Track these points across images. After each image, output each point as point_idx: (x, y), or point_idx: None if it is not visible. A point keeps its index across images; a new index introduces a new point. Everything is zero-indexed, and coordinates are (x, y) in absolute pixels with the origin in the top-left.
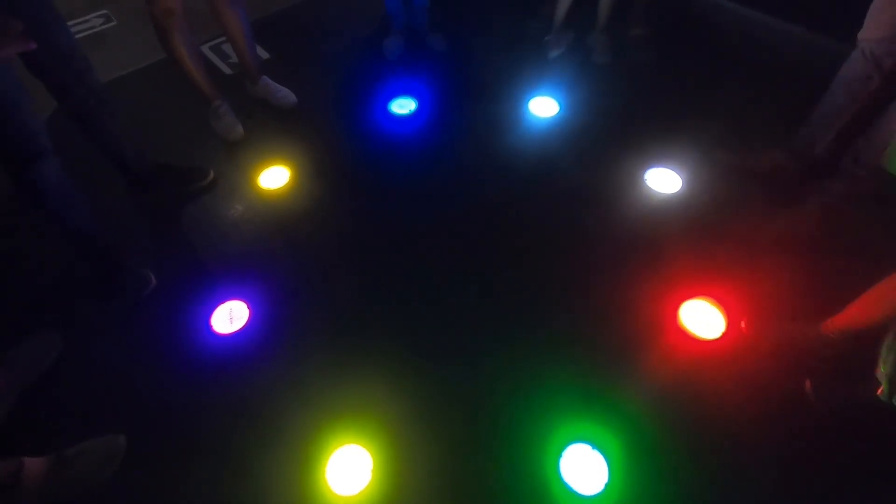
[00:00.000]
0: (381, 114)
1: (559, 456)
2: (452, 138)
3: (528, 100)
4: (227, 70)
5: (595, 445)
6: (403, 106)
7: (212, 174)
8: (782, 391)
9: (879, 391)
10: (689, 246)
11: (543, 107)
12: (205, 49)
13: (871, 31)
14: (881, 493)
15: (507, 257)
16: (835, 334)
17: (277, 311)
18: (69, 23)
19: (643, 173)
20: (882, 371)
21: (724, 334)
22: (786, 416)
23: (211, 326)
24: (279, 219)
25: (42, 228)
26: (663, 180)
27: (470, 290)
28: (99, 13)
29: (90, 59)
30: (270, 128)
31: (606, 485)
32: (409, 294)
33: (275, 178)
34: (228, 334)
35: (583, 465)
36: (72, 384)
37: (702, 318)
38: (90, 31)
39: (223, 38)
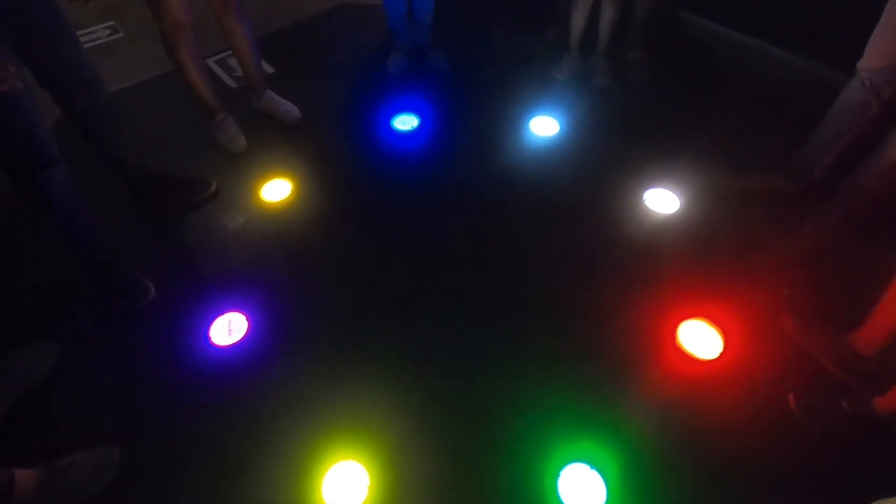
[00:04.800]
0: (384, 130)
1: (557, 475)
2: (454, 155)
3: (530, 119)
4: (232, 84)
5: (593, 465)
6: (406, 122)
7: (214, 186)
8: (779, 411)
9: None
10: (688, 266)
11: (544, 126)
12: (210, 62)
13: (871, 60)
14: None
15: (506, 274)
16: (864, 345)
17: (276, 323)
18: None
19: (642, 194)
20: None
21: (722, 354)
22: (784, 435)
23: (209, 338)
24: (280, 231)
25: (40, 236)
26: (662, 201)
27: (470, 306)
28: (106, 24)
29: (98, 70)
30: (274, 141)
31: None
32: (408, 309)
33: (277, 190)
34: (227, 346)
35: (581, 485)
36: (67, 394)
37: (700, 339)
38: (97, 42)
39: (229, 52)
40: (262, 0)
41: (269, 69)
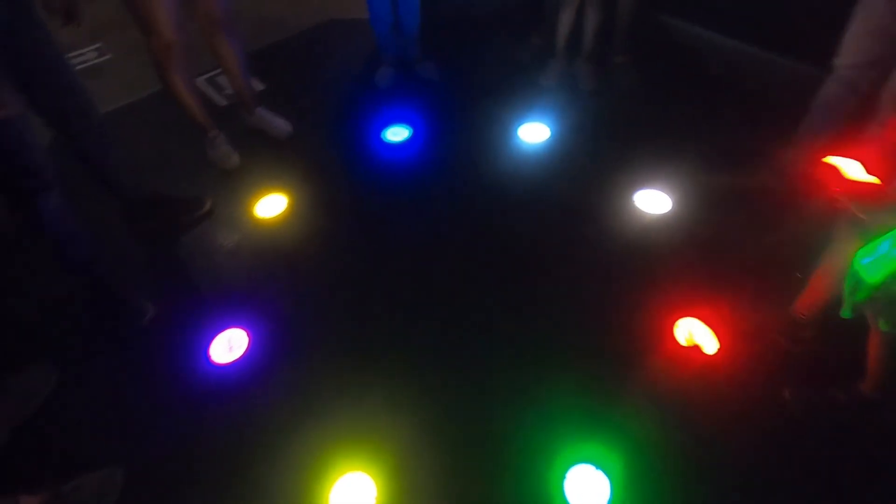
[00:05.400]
0: (376, 141)
1: (563, 477)
2: (446, 164)
3: (520, 125)
4: (222, 101)
5: (598, 465)
6: (397, 133)
7: (209, 204)
8: (776, 404)
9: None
10: (682, 265)
11: (535, 132)
12: (200, 81)
13: (846, 57)
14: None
15: (504, 279)
16: (803, 312)
17: (277, 337)
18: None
19: (634, 195)
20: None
21: (718, 351)
22: (782, 428)
23: (210, 356)
24: (277, 246)
25: (37, 259)
26: (654, 201)
27: (470, 313)
28: (94, 46)
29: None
30: (266, 157)
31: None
32: (408, 317)
33: (272, 206)
34: (228, 363)
35: (586, 485)
36: (68, 418)
37: (696, 336)
38: (85, 65)
39: (218, 70)
40: (248, 17)
41: (258, 86)
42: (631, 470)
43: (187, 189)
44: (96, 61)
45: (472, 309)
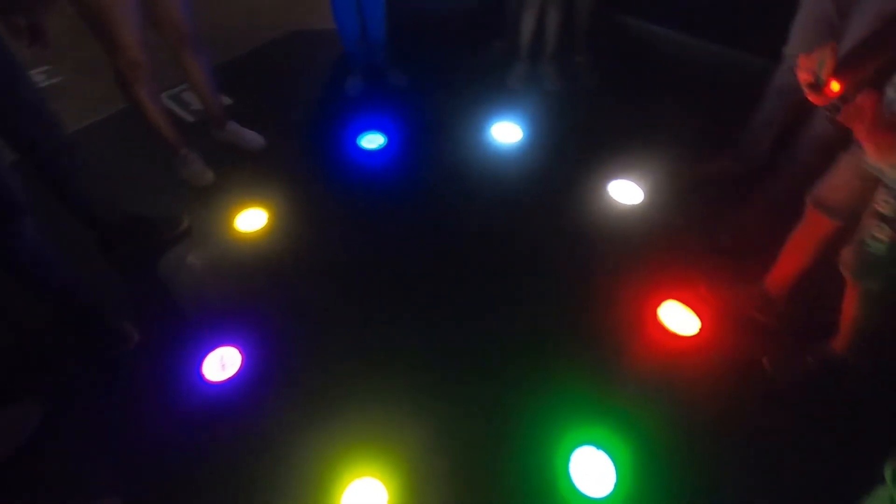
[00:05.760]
0: (352, 149)
1: (568, 460)
2: (424, 168)
3: (491, 127)
4: (189, 118)
5: (599, 446)
6: (372, 140)
7: (186, 222)
8: (758, 374)
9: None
10: (658, 251)
11: (507, 133)
12: (164, 98)
13: (795, 45)
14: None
15: (490, 277)
16: (773, 288)
17: (270, 351)
18: None
19: (606, 187)
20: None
21: (700, 331)
22: (765, 395)
23: (202, 375)
24: (262, 260)
25: (15, 289)
26: (627, 193)
27: (460, 313)
28: (41, 69)
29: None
30: (241, 171)
31: (615, 484)
32: (401, 322)
33: (252, 220)
34: (222, 381)
35: (591, 466)
36: (58, 450)
37: (678, 318)
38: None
39: (183, 87)
40: (212, 31)
41: (226, 100)
42: (630, 447)
43: (162, 209)
44: (45, 84)
45: (462, 307)
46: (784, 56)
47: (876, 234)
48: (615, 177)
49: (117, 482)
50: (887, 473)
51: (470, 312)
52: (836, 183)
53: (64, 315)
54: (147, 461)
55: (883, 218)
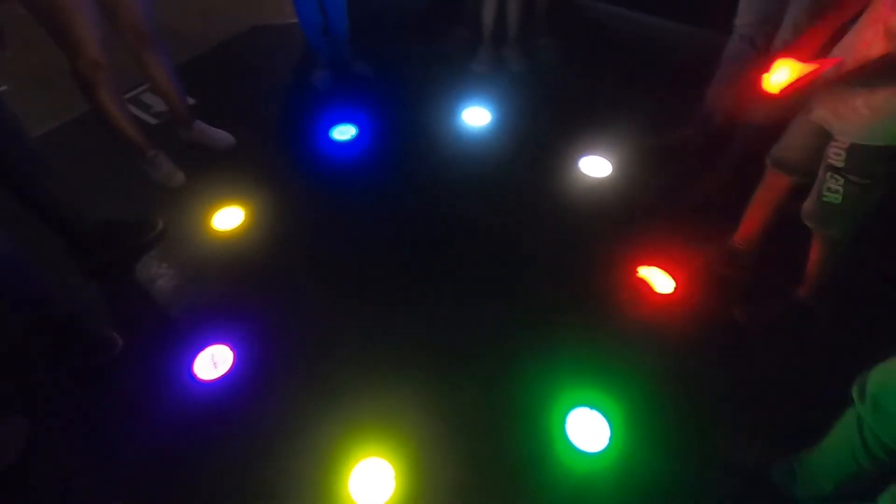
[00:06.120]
0: (324, 142)
1: (564, 421)
2: (398, 156)
3: (461, 112)
4: (152, 120)
5: (592, 406)
6: (344, 132)
7: (161, 224)
8: (730, 325)
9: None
10: (632, 219)
11: (477, 116)
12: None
13: (744, 16)
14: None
15: (472, 257)
16: (740, 244)
17: (262, 345)
18: None
19: (578, 163)
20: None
21: (675, 289)
22: (740, 345)
23: (194, 375)
24: (243, 256)
25: None
26: (596, 167)
27: (446, 294)
28: None
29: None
30: (213, 170)
31: (610, 439)
32: (391, 308)
33: (229, 218)
34: (216, 379)
35: (586, 425)
36: (48, 466)
37: (655, 279)
38: None
39: (142, 88)
40: (171, 29)
41: (190, 100)
42: (621, 404)
43: (135, 213)
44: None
45: (450, 289)
46: (734, 27)
47: (831, 186)
48: (585, 153)
49: (115, 489)
50: (854, 392)
51: (458, 293)
52: (792, 143)
53: (44, 326)
54: (146, 465)
55: (836, 170)
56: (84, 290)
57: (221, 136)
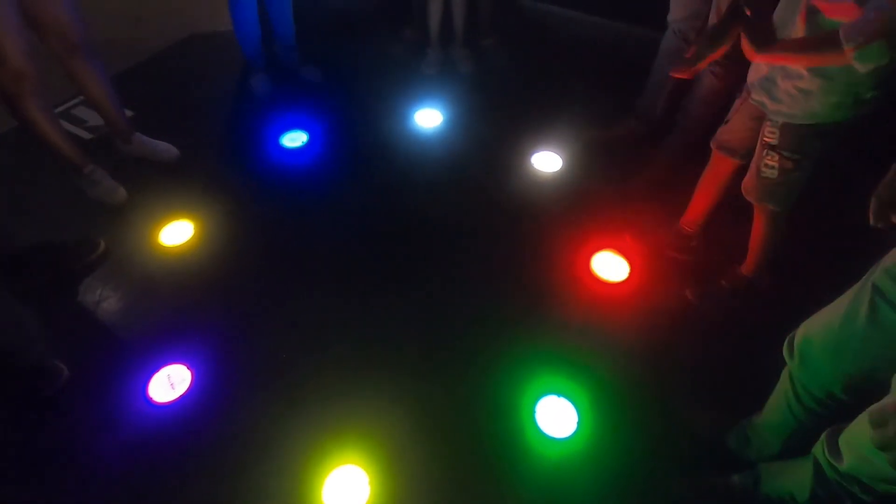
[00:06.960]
0: (274, 149)
1: (533, 410)
2: (351, 160)
3: (413, 114)
4: (86, 135)
5: (560, 394)
6: (295, 139)
7: (103, 245)
8: (683, 305)
9: None
10: (583, 210)
11: (429, 118)
12: None
13: (675, 12)
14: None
15: (430, 256)
16: (688, 226)
17: (220, 361)
18: None
19: (529, 159)
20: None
21: (630, 274)
22: (693, 324)
23: (150, 398)
24: (194, 272)
25: None
26: (547, 162)
27: (406, 295)
28: None
29: None
30: (157, 185)
31: (577, 424)
32: (347, 307)
33: (178, 233)
34: (174, 401)
35: (555, 413)
36: None
37: (609, 267)
38: None
39: (73, 102)
40: (104, 37)
41: (127, 112)
42: (586, 390)
43: (74, 234)
44: None
45: (408, 288)
46: (668, 23)
47: (767, 162)
48: (536, 149)
49: None
50: (784, 351)
51: (417, 292)
52: (734, 126)
53: None
54: (101, 497)
55: (771, 147)
56: (17, 322)
57: (164, 148)
